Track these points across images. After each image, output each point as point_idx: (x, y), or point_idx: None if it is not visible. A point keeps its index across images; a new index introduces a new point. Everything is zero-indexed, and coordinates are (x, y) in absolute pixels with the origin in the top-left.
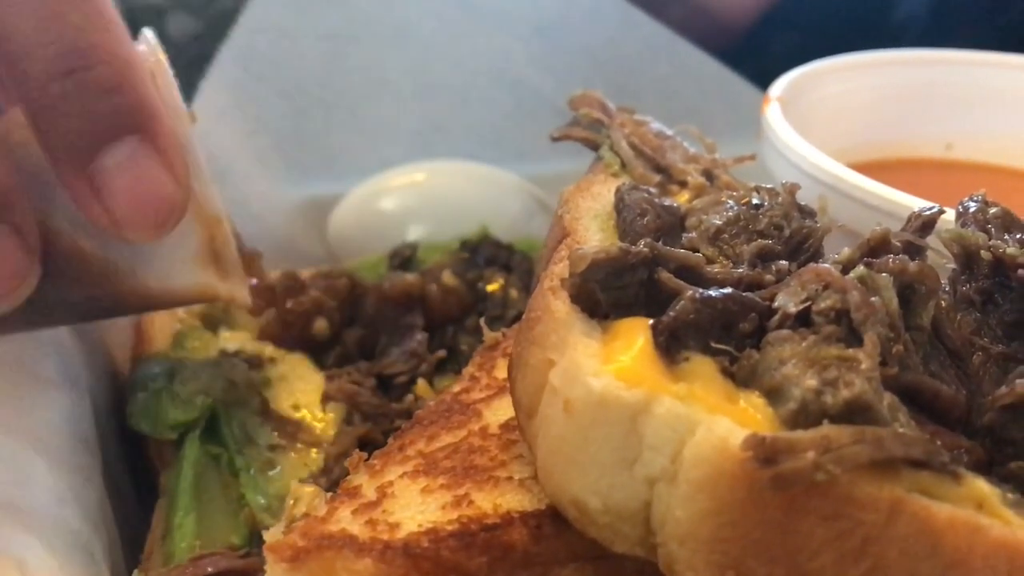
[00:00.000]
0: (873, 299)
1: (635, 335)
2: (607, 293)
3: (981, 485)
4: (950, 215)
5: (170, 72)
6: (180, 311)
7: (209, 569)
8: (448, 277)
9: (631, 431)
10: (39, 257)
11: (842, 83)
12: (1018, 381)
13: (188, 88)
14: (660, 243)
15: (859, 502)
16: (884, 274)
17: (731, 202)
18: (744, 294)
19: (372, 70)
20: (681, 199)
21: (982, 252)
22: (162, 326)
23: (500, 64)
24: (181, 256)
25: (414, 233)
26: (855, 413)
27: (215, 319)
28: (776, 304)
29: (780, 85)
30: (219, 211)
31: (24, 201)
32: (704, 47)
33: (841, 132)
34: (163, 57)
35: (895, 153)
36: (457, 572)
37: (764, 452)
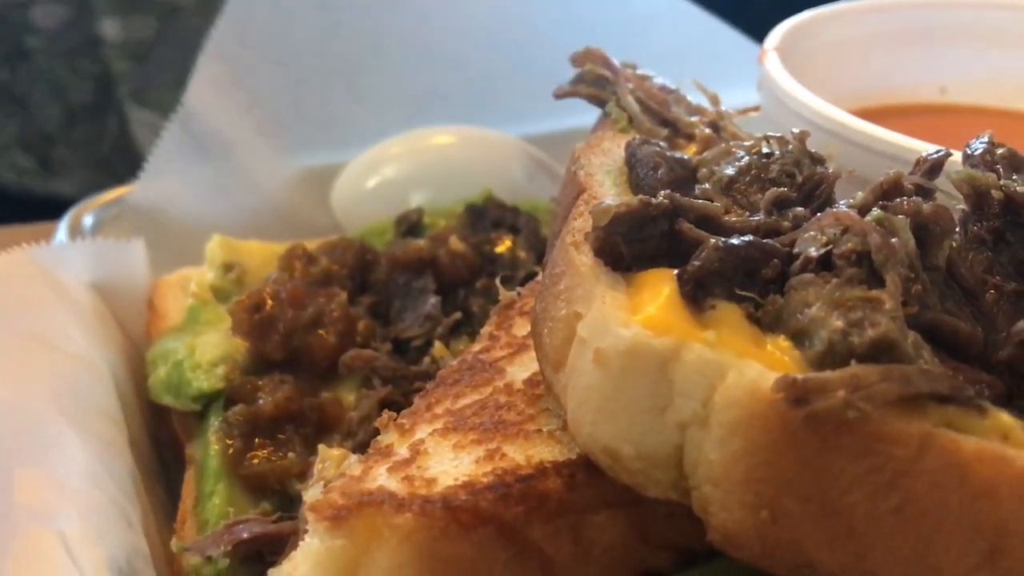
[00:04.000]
0: (892, 240)
1: (661, 285)
2: (630, 246)
3: (1005, 418)
4: (957, 157)
5: None
6: (192, 285)
7: (244, 535)
8: (455, 241)
9: (661, 378)
10: None
11: (836, 31)
12: None
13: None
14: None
15: (889, 438)
16: (900, 216)
17: (742, 152)
18: (765, 240)
19: (368, 38)
20: (690, 151)
21: (993, 192)
22: (175, 300)
23: (494, 27)
24: None
25: (417, 199)
26: (881, 352)
27: (227, 291)
28: (797, 249)
29: (776, 35)
30: None
31: None
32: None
33: (837, 79)
34: None
35: (891, 99)
36: (495, 522)
37: (795, 393)
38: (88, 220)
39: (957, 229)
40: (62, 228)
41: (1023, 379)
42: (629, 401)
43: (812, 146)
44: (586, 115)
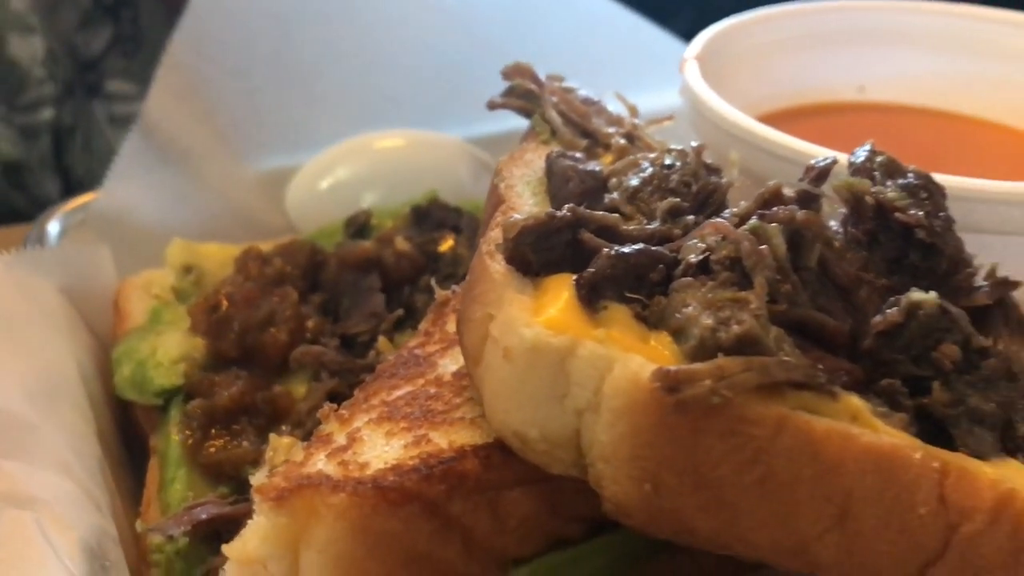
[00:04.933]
0: (762, 247)
1: (561, 290)
2: (537, 254)
3: (855, 401)
4: (844, 163)
5: None
6: (154, 288)
7: (202, 516)
8: (400, 242)
9: (560, 371)
10: None
11: (758, 36)
12: (889, 310)
13: None
14: (584, 206)
15: (749, 420)
16: (774, 224)
17: (646, 163)
18: (654, 248)
19: (321, 47)
20: (606, 160)
21: (867, 197)
22: (139, 301)
23: (440, 35)
24: None
25: (368, 200)
26: (746, 346)
27: (187, 292)
28: (681, 255)
29: (697, 44)
30: None
31: None
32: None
33: (760, 82)
34: None
35: (812, 99)
36: (420, 499)
37: (668, 382)
38: (54, 226)
39: (839, 230)
40: (31, 234)
41: (879, 365)
42: (533, 392)
43: (725, 153)
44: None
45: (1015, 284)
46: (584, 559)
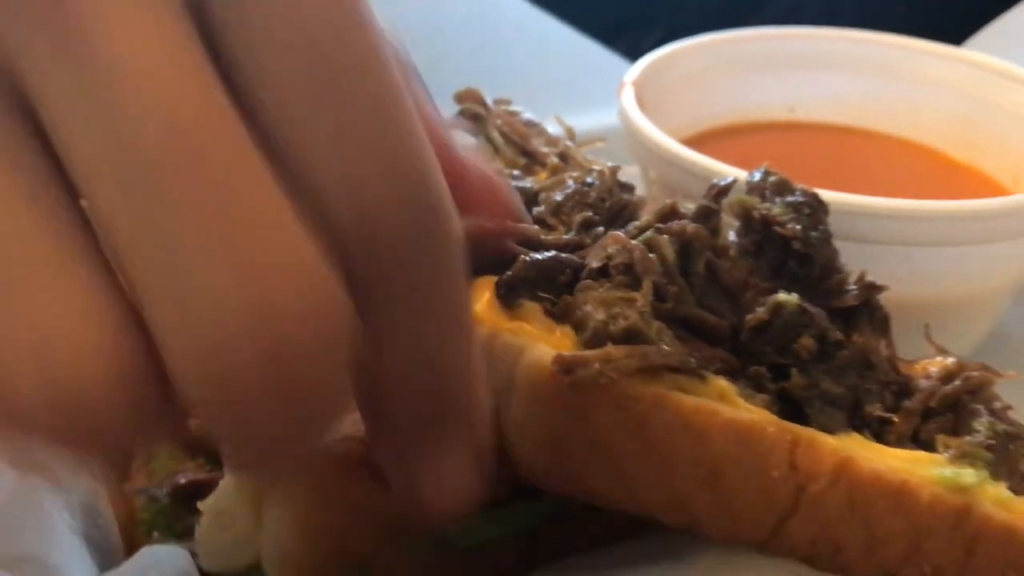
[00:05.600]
0: (650, 255)
1: (484, 290)
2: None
3: (722, 383)
4: (743, 183)
5: None
6: None
7: (182, 480)
8: None
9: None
10: None
11: (692, 62)
12: (759, 309)
13: None
14: None
15: (632, 397)
16: (665, 236)
17: (571, 181)
18: (564, 255)
19: None
20: (541, 177)
21: (754, 212)
22: None
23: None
24: None
25: None
26: (631, 337)
27: None
28: (587, 262)
29: (635, 70)
30: None
31: None
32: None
33: (695, 105)
34: None
35: (745, 119)
36: (366, 465)
37: (565, 366)
38: None
39: (734, 241)
40: None
41: (751, 355)
42: None
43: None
44: None
45: (880, 288)
46: (507, 517)
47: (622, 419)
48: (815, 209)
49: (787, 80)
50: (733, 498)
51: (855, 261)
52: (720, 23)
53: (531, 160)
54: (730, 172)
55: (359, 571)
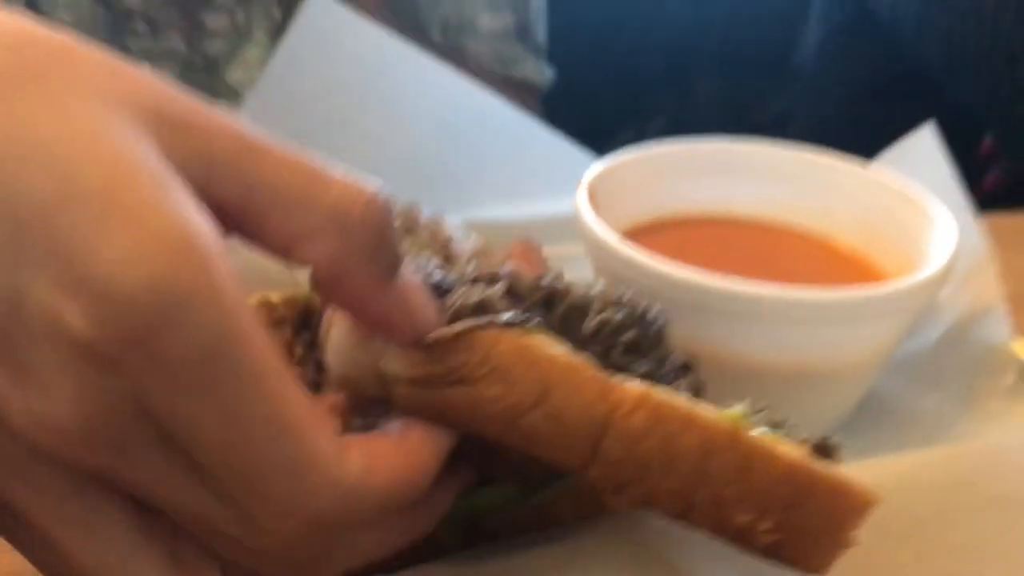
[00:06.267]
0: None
1: None
2: None
3: (546, 335)
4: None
5: None
6: None
7: None
8: None
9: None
10: None
11: (642, 166)
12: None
13: None
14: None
15: (480, 342)
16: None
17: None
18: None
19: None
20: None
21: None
22: None
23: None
24: None
25: None
26: (482, 308)
27: None
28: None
29: (591, 172)
30: None
31: None
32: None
33: (640, 203)
34: None
35: (685, 214)
36: None
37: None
38: None
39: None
40: None
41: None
42: (350, 347)
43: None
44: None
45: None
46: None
47: (471, 357)
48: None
49: (727, 182)
50: (560, 418)
51: (753, 334)
52: (721, 114)
53: (450, 263)
54: (647, 263)
55: None
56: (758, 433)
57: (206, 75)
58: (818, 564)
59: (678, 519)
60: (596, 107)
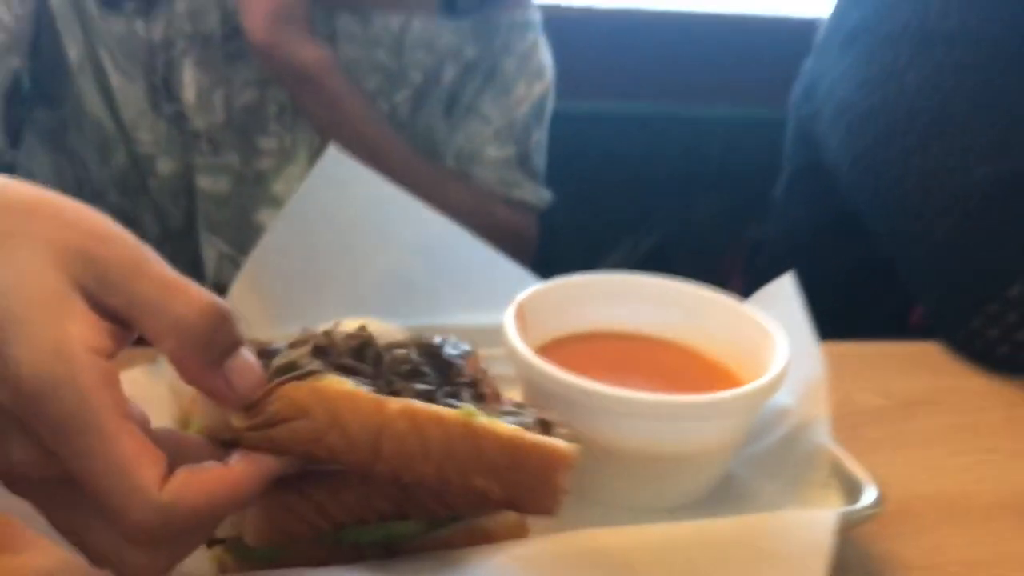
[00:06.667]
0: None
1: None
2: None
3: (336, 377)
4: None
5: None
6: None
7: None
8: None
9: None
10: None
11: (562, 292)
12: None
13: (166, 210)
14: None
15: (296, 391)
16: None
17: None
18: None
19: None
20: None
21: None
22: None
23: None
24: None
25: None
26: (290, 367)
27: None
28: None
29: (523, 294)
30: None
31: None
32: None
33: (560, 322)
34: None
35: (595, 329)
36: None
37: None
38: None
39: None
40: None
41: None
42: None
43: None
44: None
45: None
46: (380, 530)
47: (288, 404)
48: (436, 352)
49: (635, 307)
50: (347, 430)
51: (623, 426)
52: (706, 234)
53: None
54: (545, 369)
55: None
56: (484, 420)
57: (255, 186)
58: (547, 508)
59: (441, 493)
60: (591, 226)
